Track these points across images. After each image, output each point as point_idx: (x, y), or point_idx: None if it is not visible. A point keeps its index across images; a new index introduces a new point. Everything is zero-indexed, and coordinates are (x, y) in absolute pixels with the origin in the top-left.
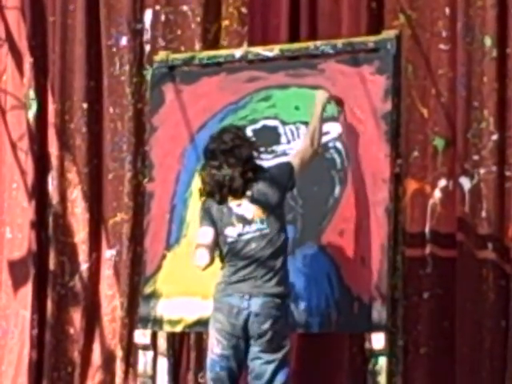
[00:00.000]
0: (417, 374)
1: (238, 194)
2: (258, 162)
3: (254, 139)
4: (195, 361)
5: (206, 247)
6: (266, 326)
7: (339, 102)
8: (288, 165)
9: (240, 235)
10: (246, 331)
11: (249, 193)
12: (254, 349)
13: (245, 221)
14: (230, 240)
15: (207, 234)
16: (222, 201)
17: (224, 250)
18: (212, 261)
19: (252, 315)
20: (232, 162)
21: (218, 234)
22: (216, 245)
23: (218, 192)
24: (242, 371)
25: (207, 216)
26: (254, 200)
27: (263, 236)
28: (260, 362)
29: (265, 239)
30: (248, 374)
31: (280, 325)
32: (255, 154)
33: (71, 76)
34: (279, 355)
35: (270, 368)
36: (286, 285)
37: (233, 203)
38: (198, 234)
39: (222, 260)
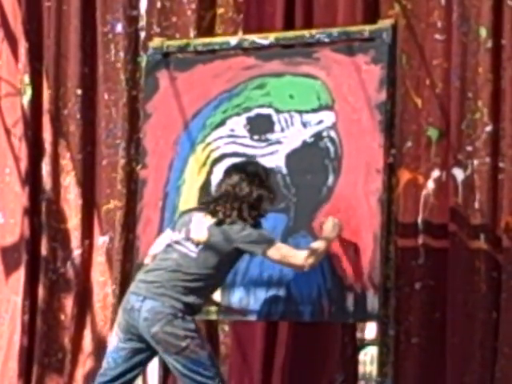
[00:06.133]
0: (408, 363)
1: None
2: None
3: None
4: None
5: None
6: (155, 328)
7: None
8: (256, 248)
9: (177, 243)
10: (139, 331)
11: (217, 218)
12: (161, 354)
13: (188, 235)
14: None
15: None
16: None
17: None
18: None
19: (141, 318)
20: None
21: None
22: None
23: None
24: (135, 369)
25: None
26: (212, 228)
27: (189, 257)
28: (171, 367)
29: (190, 260)
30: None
31: (171, 326)
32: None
33: (65, 62)
34: (179, 357)
35: (179, 371)
36: (194, 296)
37: (197, 216)
38: None
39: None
